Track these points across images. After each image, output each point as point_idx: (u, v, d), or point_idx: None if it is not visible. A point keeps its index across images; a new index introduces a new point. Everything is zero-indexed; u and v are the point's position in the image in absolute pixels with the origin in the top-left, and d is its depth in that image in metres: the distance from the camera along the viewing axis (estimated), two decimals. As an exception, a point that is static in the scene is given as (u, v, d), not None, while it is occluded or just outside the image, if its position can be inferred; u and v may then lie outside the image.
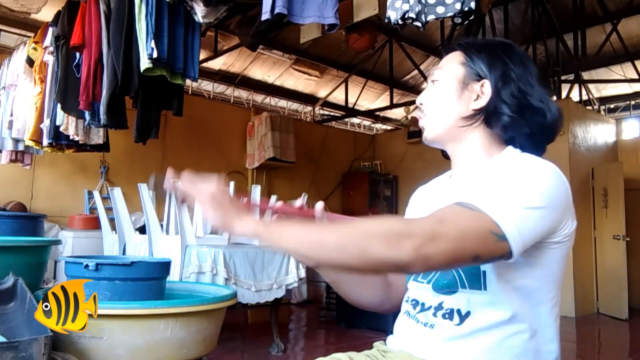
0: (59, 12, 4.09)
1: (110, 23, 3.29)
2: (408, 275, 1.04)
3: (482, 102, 0.97)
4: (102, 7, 3.40)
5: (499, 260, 0.81)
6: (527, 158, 0.90)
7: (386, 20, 2.35)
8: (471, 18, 2.25)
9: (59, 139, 4.11)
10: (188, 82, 3.45)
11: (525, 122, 0.96)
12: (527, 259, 0.87)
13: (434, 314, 0.94)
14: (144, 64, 3.00)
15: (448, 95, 1.00)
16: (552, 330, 0.93)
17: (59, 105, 3.94)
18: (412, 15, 2.22)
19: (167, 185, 0.97)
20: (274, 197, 4.02)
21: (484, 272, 0.89)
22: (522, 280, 0.88)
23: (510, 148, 0.98)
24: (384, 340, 1.07)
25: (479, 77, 0.98)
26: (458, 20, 2.26)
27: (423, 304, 0.98)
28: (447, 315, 0.92)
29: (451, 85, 1.00)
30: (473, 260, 0.78)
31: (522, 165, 0.88)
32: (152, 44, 2.95)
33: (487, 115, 0.97)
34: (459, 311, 0.91)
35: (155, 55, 2.94)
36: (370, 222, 0.78)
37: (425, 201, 1.10)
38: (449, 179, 1.08)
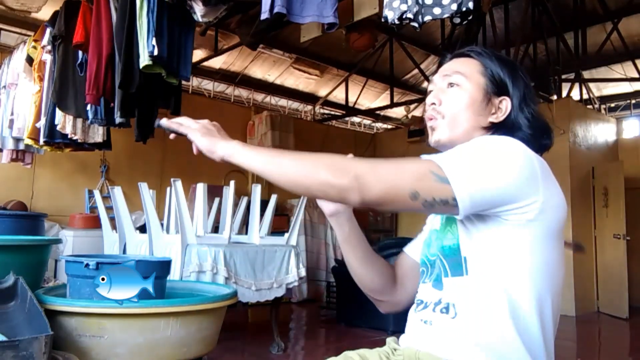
0: (55, 12, 4.10)
1: (116, 20, 3.30)
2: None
3: (500, 117, 1.02)
4: (114, 4, 3.40)
5: (447, 211, 0.86)
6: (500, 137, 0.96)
7: (383, 20, 2.35)
8: (470, 18, 2.25)
9: (54, 138, 4.11)
10: (188, 81, 3.44)
11: (536, 142, 1.02)
12: (493, 236, 0.90)
13: (433, 310, 0.99)
14: (144, 60, 3.00)
15: (472, 104, 1.02)
16: (537, 330, 0.92)
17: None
18: (410, 15, 2.22)
19: (163, 121, 0.98)
20: None
21: (465, 258, 0.94)
22: (497, 265, 0.91)
23: None
24: (397, 336, 1.10)
25: (499, 92, 1.03)
26: (457, 20, 2.26)
27: (425, 303, 1.02)
28: (444, 310, 0.97)
29: (476, 95, 1.02)
30: (411, 197, 0.82)
31: (487, 138, 0.95)
32: (153, 42, 2.95)
33: (505, 129, 1.02)
34: (454, 305, 0.95)
35: (156, 52, 2.94)
36: (326, 155, 0.87)
37: None
38: None
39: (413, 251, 1.18)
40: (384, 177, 0.82)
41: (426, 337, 0.98)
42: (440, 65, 1.13)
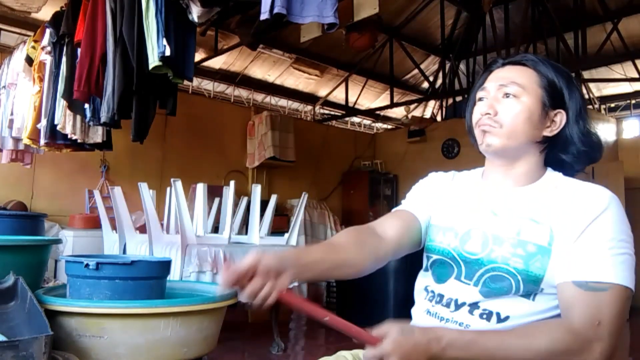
0: (56, 13, 4.09)
1: (118, 20, 3.28)
2: (443, 273, 1.03)
3: (555, 131, 1.01)
4: (110, 4, 3.40)
5: None
6: (598, 194, 0.93)
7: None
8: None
9: (56, 139, 4.10)
10: (187, 81, 3.44)
11: (587, 157, 1.03)
12: None
13: (470, 312, 0.95)
14: (153, 61, 2.99)
15: (530, 117, 0.99)
16: None
17: (58, 104, 3.94)
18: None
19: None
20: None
21: (542, 290, 0.93)
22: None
23: (550, 171, 1.04)
24: None
25: (555, 105, 1.01)
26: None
27: (456, 301, 0.98)
28: (484, 316, 0.94)
29: (534, 108, 0.99)
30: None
31: (605, 207, 0.91)
32: (164, 42, 2.95)
33: (558, 144, 1.02)
34: (498, 314, 0.93)
35: (167, 53, 2.94)
36: (542, 343, 0.83)
37: (454, 203, 1.08)
38: (482, 179, 1.09)
39: (421, 212, 1.10)
40: (611, 346, 0.85)
41: None
42: (488, 70, 1.09)
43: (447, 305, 0.99)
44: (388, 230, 1.07)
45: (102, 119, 3.42)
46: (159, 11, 2.99)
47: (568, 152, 1.02)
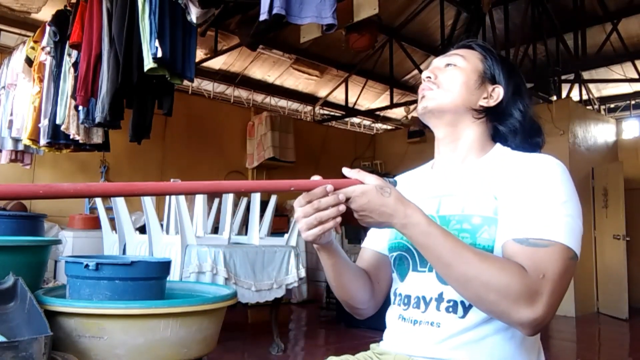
0: (58, 12, 4.09)
1: (113, 21, 3.29)
2: (402, 268, 1.04)
3: (491, 103, 1.05)
4: (106, 4, 3.40)
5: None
6: (542, 159, 0.94)
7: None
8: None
9: (58, 139, 4.11)
10: (187, 82, 3.44)
11: (525, 134, 1.05)
12: None
13: (437, 308, 0.94)
14: (148, 63, 3.00)
15: (467, 82, 1.04)
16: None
17: (60, 104, 3.94)
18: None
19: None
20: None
21: None
22: None
23: (499, 145, 1.06)
24: (380, 340, 1.06)
25: (493, 81, 1.06)
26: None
27: (424, 298, 0.97)
28: (450, 309, 0.93)
29: (471, 75, 1.05)
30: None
31: (548, 170, 0.91)
32: (156, 43, 2.95)
33: (496, 116, 1.06)
34: (462, 303, 0.92)
35: (159, 54, 2.94)
36: (491, 270, 0.82)
37: (413, 193, 1.07)
38: (432, 169, 1.12)
39: (376, 243, 1.14)
40: (555, 301, 0.82)
41: (428, 341, 0.93)
42: None
43: (417, 306, 0.98)
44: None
45: (97, 120, 3.43)
46: (153, 13, 2.99)
47: (506, 125, 1.05)
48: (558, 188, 0.88)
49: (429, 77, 1.07)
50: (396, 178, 1.18)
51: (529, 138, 1.05)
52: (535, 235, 0.84)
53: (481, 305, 0.84)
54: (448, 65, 1.07)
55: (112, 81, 3.24)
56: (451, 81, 1.05)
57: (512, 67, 1.10)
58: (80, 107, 3.66)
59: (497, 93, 1.05)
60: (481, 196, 0.95)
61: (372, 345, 1.08)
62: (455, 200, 0.99)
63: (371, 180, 0.87)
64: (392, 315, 1.04)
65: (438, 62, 1.10)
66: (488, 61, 1.07)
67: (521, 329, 0.83)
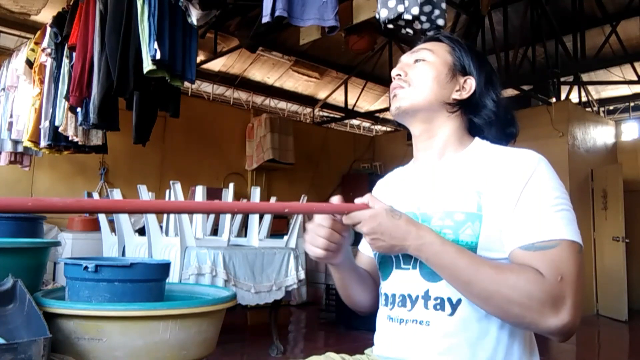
0: (59, 13, 4.09)
1: (107, 23, 3.28)
2: (385, 266, 1.03)
3: (464, 95, 1.03)
4: (99, 6, 3.40)
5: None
6: (525, 156, 0.93)
7: (376, 17, 2.37)
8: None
9: (58, 140, 4.11)
10: (187, 83, 3.44)
11: (500, 124, 1.04)
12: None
13: (425, 306, 0.92)
14: (147, 65, 3.00)
15: (437, 76, 1.02)
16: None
17: (58, 106, 3.94)
18: (409, 17, 2.24)
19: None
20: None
21: (480, 256, 0.89)
22: None
23: (478, 139, 1.04)
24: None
25: (464, 73, 1.04)
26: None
27: (409, 296, 0.95)
28: (438, 307, 0.91)
29: (441, 69, 1.03)
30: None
31: (534, 168, 0.90)
32: (155, 45, 2.95)
33: (470, 108, 1.04)
34: (449, 299, 0.90)
35: (158, 56, 2.94)
36: (510, 282, 0.82)
37: (394, 194, 1.09)
38: (412, 166, 1.11)
39: (367, 247, 1.15)
40: (577, 303, 0.81)
41: (421, 341, 0.91)
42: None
43: (403, 304, 0.96)
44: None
45: (91, 121, 3.43)
46: (152, 15, 2.99)
47: (480, 116, 1.04)
48: (547, 185, 0.88)
49: (399, 75, 1.05)
50: (378, 182, 1.19)
51: (504, 128, 1.04)
52: (540, 238, 0.84)
53: (508, 319, 0.84)
54: (417, 61, 1.05)
55: (102, 83, 3.24)
56: (422, 77, 1.03)
57: (481, 56, 1.08)
58: (79, 109, 3.66)
59: (470, 85, 1.03)
60: (463, 192, 0.94)
61: (366, 351, 1.07)
62: (436, 196, 0.98)
63: (380, 204, 0.88)
64: (380, 316, 1.04)
65: (406, 58, 1.08)
66: (457, 52, 1.05)
67: (553, 337, 0.82)
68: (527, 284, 0.80)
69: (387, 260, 1.02)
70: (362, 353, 1.07)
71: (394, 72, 1.06)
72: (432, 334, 0.90)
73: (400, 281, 0.98)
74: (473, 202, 0.91)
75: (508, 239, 0.87)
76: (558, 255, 0.82)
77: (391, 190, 1.12)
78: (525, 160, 0.91)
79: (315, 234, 0.93)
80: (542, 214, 0.85)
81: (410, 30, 2.31)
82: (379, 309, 1.06)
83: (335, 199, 0.91)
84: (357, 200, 0.91)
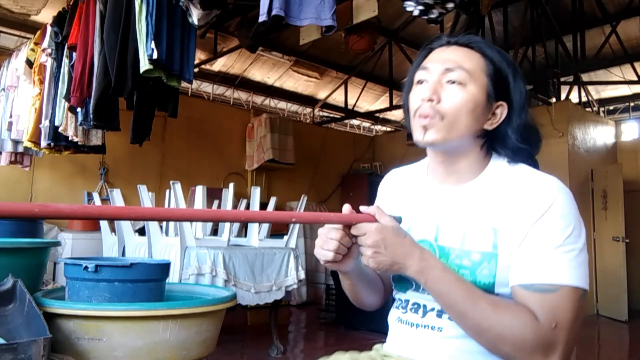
0: (59, 13, 4.10)
1: (105, 23, 3.29)
2: (401, 286, 1.03)
3: (494, 125, 0.95)
4: (99, 6, 3.40)
5: None
6: (544, 186, 0.89)
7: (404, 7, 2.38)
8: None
9: (58, 140, 4.11)
10: (187, 83, 3.44)
11: (526, 151, 0.96)
12: None
13: (439, 316, 0.93)
14: (144, 65, 3.00)
15: (474, 109, 0.92)
16: None
17: (58, 106, 3.94)
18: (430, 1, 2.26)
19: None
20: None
21: (498, 294, 0.90)
22: None
23: (495, 160, 0.98)
24: (384, 341, 1.06)
25: (498, 98, 0.95)
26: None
27: (424, 306, 0.96)
28: (451, 318, 0.92)
29: (479, 100, 0.93)
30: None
31: (551, 201, 0.87)
32: (152, 45, 2.95)
33: (495, 138, 0.97)
34: None
35: (155, 56, 2.94)
36: (505, 321, 0.82)
37: (402, 210, 1.04)
38: (426, 179, 1.05)
39: None
40: (568, 349, 0.82)
41: (431, 344, 0.92)
42: (429, 47, 1.01)
43: (416, 310, 0.97)
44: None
45: (91, 120, 3.44)
46: (150, 14, 2.99)
47: (507, 147, 0.96)
48: (559, 223, 0.84)
49: (432, 101, 0.92)
50: (389, 173, 1.17)
51: (525, 153, 0.97)
52: (540, 280, 0.83)
53: (497, 354, 0.85)
54: (451, 82, 0.93)
55: (99, 82, 3.24)
56: (458, 111, 0.91)
57: (515, 70, 0.96)
58: (79, 109, 3.66)
59: (501, 112, 0.95)
60: (479, 228, 0.91)
61: (376, 346, 1.07)
62: (453, 229, 0.95)
63: (387, 219, 0.88)
64: (392, 317, 1.04)
65: (436, 71, 0.95)
66: (490, 68, 0.94)
67: None
68: (521, 326, 0.81)
69: (404, 280, 1.00)
70: (371, 349, 1.08)
71: (424, 94, 0.93)
72: (444, 338, 0.91)
73: (417, 297, 0.98)
74: (489, 241, 0.90)
75: (512, 272, 0.87)
76: (556, 301, 0.82)
77: (402, 197, 1.08)
78: (543, 193, 0.87)
79: (327, 237, 0.91)
80: (548, 255, 0.84)
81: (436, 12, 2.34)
82: (391, 310, 1.06)
83: (345, 209, 0.90)
84: (363, 209, 0.90)
